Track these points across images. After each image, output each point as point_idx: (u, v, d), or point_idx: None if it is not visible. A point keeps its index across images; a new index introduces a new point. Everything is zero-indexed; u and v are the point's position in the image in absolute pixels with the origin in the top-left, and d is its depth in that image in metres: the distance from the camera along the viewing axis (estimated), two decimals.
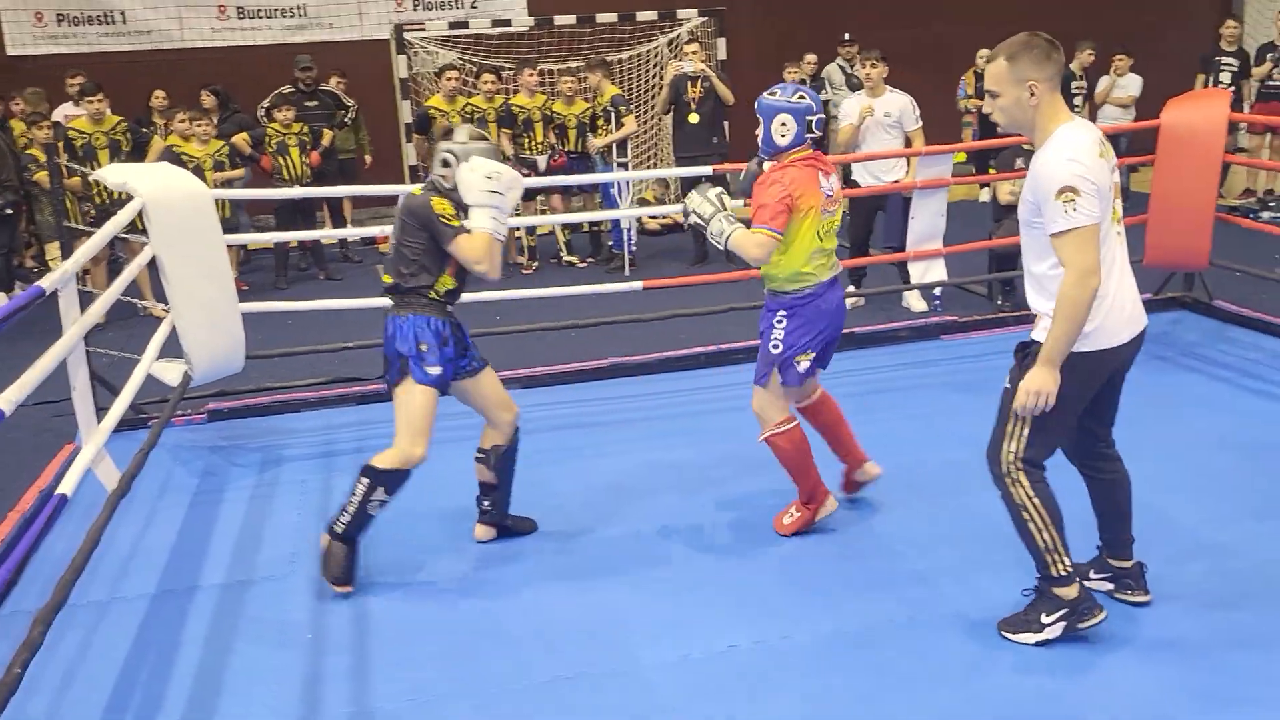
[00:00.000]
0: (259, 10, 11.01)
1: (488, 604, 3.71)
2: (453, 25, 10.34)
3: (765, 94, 3.92)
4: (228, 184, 8.09)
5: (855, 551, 3.94)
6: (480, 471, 4.12)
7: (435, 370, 3.74)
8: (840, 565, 3.84)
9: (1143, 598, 3.39)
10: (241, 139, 8.83)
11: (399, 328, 3.76)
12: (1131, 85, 9.80)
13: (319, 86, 9.46)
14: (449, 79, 8.52)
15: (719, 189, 3.95)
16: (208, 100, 9.30)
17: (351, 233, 8.50)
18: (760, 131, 3.87)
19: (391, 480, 3.76)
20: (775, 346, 3.91)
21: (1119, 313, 3.02)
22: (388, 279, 3.80)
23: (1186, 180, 5.78)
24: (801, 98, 3.86)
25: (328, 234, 8.58)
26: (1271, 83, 9.84)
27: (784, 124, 3.81)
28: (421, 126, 8.70)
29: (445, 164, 3.77)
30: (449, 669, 3.31)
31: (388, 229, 5.87)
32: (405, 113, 10.01)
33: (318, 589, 3.85)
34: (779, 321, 3.92)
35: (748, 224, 3.82)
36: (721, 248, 3.86)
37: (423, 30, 10.28)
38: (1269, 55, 9.87)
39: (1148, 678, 3.08)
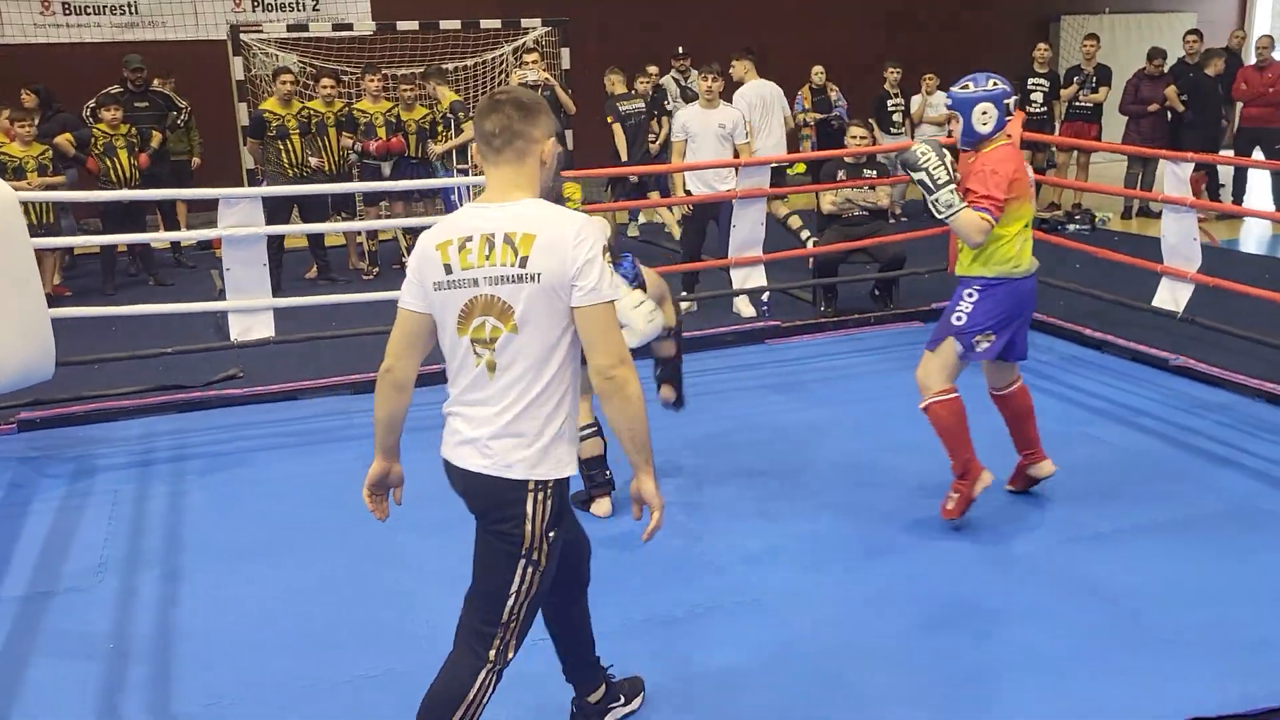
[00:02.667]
0: (87, 6, 10.64)
1: (294, 606, 3.74)
2: (292, 28, 10.17)
3: (956, 88, 3.99)
4: (49, 189, 7.81)
5: (659, 546, 4.10)
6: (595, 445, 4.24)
7: None
8: (647, 556, 4.00)
9: None
10: (65, 139, 8.52)
11: None
12: (943, 104, 10.31)
13: (149, 87, 9.21)
14: (283, 82, 8.40)
15: (950, 155, 3.92)
16: (29, 100, 8.94)
17: (182, 235, 8.28)
18: (959, 126, 3.94)
19: None
20: (958, 319, 3.96)
21: (450, 429, 2.53)
22: None
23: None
24: (995, 84, 3.93)
25: (156, 237, 8.34)
26: (1078, 104, 10.56)
27: (984, 112, 3.88)
28: (255, 130, 8.55)
29: None
30: (250, 672, 3.33)
31: (220, 232, 5.81)
32: (242, 115, 9.80)
33: (124, 599, 3.81)
34: (969, 295, 3.96)
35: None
36: (940, 216, 3.87)
37: (260, 32, 10.09)
38: (1076, 78, 10.59)
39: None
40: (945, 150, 3.91)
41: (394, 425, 2.62)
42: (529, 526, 2.43)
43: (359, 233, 9.09)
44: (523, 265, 2.33)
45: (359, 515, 4.40)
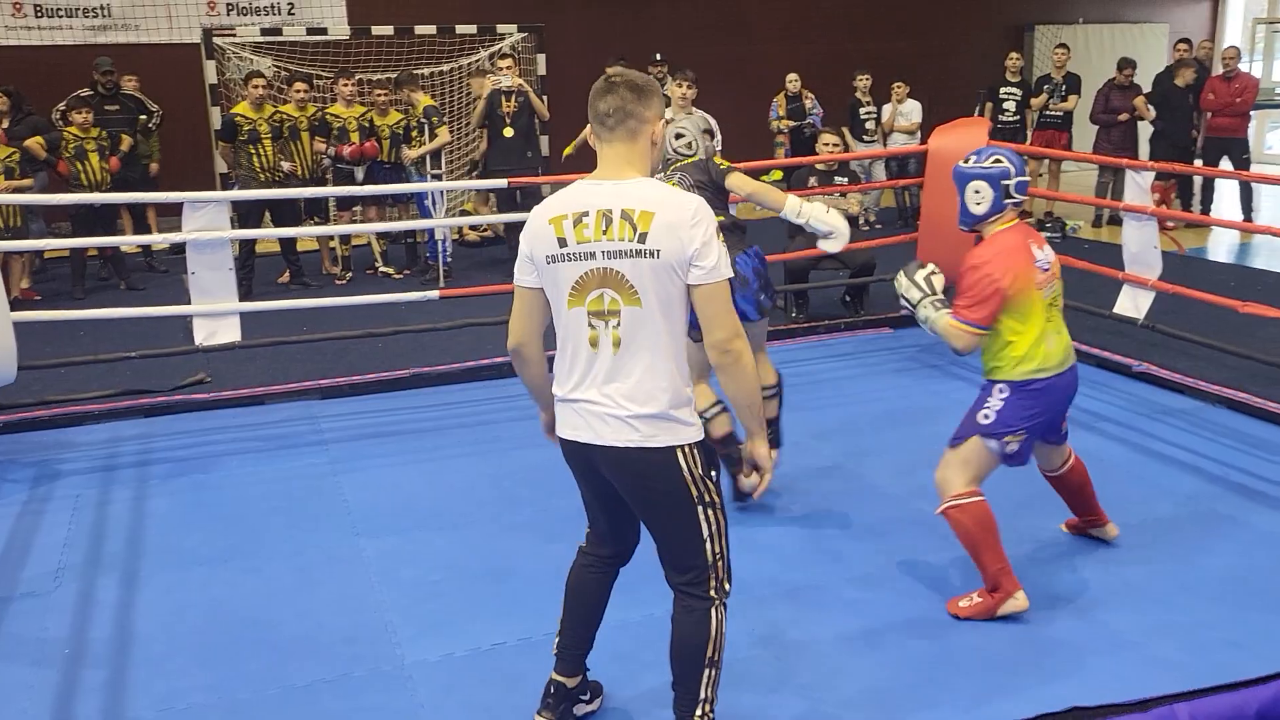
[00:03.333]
0: (59, 9, 10.58)
1: (252, 611, 3.73)
2: (266, 31, 10.15)
3: (960, 161, 3.69)
4: (17, 192, 7.77)
5: None
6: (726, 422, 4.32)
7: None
8: None
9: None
10: (35, 143, 8.48)
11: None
12: (913, 112, 10.41)
13: (120, 90, 9.18)
14: (254, 86, 8.38)
15: (929, 268, 3.66)
16: (0, 102, 8.89)
17: (149, 239, 8.22)
18: (958, 201, 3.64)
19: None
20: (986, 417, 3.53)
21: (565, 409, 2.67)
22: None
23: (950, 201, 6.18)
24: (997, 161, 3.57)
25: (123, 240, 8.31)
26: (1049, 112, 10.64)
27: (978, 190, 3.56)
28: (226, 134, 8.53)
29: (679, 136, 4.40)
30: (206, 677, 3.32)
31: (185, 236, 5.78)
32: (215, 119, 9.78)
33: (81, 604, 3.79)
34: (1000, 390, 3.54)
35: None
36: (929, 332, 3.65)
37: (234, 35, 10.06)
38: (1045, 86, 10.67)
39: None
40: (919, 266, 3.68)
41: (542, 388, 2.79)
42: (690, 481, 2.60)
43: (332, 237, 9.08)
44: (641, 241, 2.47)
45: (320, 521, 4.45)
